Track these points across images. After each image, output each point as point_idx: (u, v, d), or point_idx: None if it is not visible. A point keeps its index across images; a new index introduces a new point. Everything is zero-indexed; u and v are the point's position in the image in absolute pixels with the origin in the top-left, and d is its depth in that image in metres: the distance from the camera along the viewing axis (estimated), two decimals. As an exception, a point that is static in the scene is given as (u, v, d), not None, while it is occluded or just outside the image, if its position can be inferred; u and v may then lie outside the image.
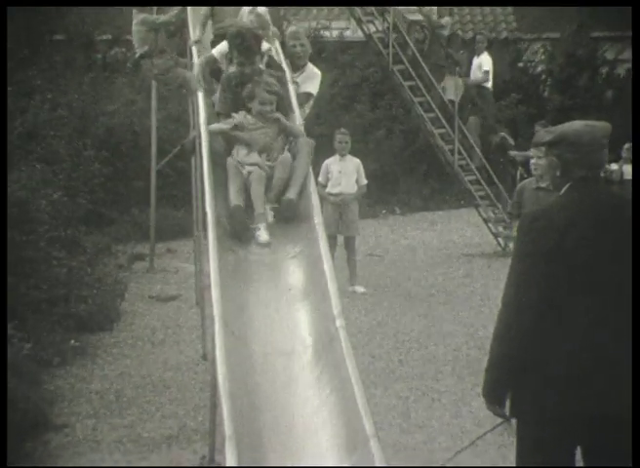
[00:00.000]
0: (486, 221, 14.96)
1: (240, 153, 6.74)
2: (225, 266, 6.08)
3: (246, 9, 7.90)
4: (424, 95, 15.13)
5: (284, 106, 7.04)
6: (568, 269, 4.08)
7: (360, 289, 11.57)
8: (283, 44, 8.22)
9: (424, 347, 9.21)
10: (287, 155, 6.79)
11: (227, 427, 4.96)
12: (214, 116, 7.28)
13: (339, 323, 5.64)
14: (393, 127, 19.47)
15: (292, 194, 6.62)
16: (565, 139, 4.25)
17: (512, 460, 4.46)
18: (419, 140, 18.65)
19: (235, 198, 6.54)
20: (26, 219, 9.37)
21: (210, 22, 8.50)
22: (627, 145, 14.48)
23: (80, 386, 8.22)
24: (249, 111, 6.81)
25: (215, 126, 6.96)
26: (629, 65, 19.06)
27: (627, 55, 19.96)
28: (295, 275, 6.27)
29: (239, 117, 6.80)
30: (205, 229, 6.79)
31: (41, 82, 16.36)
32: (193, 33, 8.60)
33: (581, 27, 21.06)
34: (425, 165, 19.00)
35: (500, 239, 14.50)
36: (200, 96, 7.58)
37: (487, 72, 16.06)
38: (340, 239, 11.82)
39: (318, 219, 6.45)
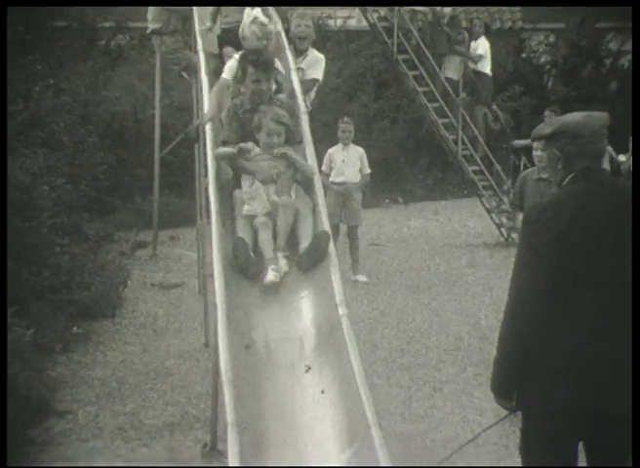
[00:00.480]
0: (489, 211, 14.95)
1: (245, 184, 6.31)
2: (228, 254, 6.07)
3: (247, 17, 7.33)
4: (429, 84, 15.13)
5: (293, 137, 6.60)
6: (573, 260, 4.08)
7: (362, 278, 11.58)
8: (287, 32, 8.17)
9: (426, 336, 9.21)
10: (288, 199, 6.21)
11: (229, 414, 4.97)
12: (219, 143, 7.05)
13: (341, 311, 5.63)
14: (397, 116, 19.44)
15: (307, 242, 6.07)
16: (566, 131, 4.24)
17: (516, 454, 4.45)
18: (422, 130, 18.65)
19: (241, 230, 6.13)
20: (29, 206, 9.36)
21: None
22: None
23: (82, 373, 8.23)
24: (257, 142, 6.39)
25: (221, 150, 6.55)
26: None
27: (630, 46, 19.93)
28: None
29: (248, 144, 6.39)
30: (208, 217, 6.79)
31: (42, 67, 16.32)
32: (200, 24, 8.39)
33: (585, 19, 21.02)
34: (429, 155, 18.98)
35: (502, 229, 14.49)
36: (205, 83, 7.55)
37: (481, 56, 15.99)
38: (343, 228, 11.82)
39: (323, 209, 6.34)
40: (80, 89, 16.19)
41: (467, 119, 15.27)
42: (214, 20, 8.12)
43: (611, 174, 13.93)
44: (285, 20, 8.35)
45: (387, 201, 17.90)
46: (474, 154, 15.06)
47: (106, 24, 19.49)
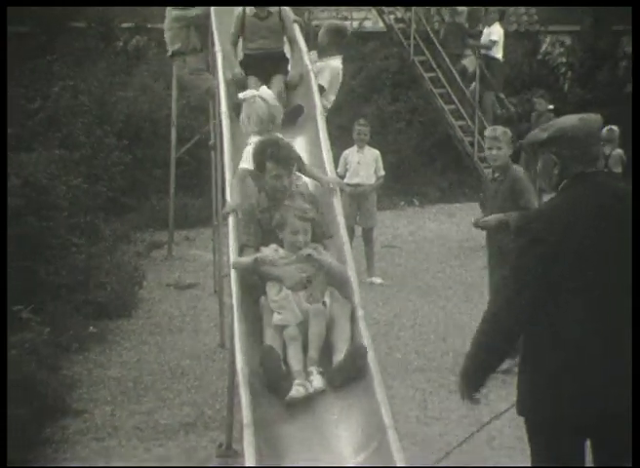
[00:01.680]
0: (504, 214, 14.91)
1: (271, 292, 5.62)
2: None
3: (247, 102, 6.74)
4: (445, 86, 15.13)
5: (322, 233, 5.90)
6: (570, 268, 4.04)
7: (378, 280, 11.58)
8: (307, 34, 8.25)
9: (442, 339, 9.20)
10: (321, 307, 5.55)
11: (245, 415, 4.99)
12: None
13: (358, 313, 5.65)
14: (413, 118, 19.41)
15: (341, 354, 5.40)
16: (563, 135, 4.19)
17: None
18: (438, 132, 18.61)
19: (270, 338, 5.50)
20: (46, 205, 9.40)
21: (240, 41, 7.95)
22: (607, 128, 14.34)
23: (98, 372, 8.27)
24: (281, 242, 5.72)
25: (238, 260, 5.86)
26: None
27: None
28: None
29: (267, 251, 5.71)
30: (225, 218, 6.80)
31: (61, 68, 16.38)
32: (218, 38, 8.22)
33: (598, 21, 20.96)
34: (444, 157, 18.93)
35: (517, 232, 14.45)
36: (222, 84, 7.57)
37: (495, 42, 15.93)
38: (358, 230, 11.82)
39: (339, 209, 6.31)
40: (97, 89, 16.23)
41: (484, 121, 15.24)
42: (235, 44, 7.90)
43: (622, 177, 13.96)
44: (299, 12, 8.55)
45: (403, 203, 17.87)
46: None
47: (125, 25, 19.52)
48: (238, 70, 7.67)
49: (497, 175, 8.09)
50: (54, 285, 9.08)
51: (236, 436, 6.14)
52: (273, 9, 7.79)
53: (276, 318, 5.51)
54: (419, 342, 9.15)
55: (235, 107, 7.12)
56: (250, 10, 7.78)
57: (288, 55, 7.92)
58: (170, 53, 10.46)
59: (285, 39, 7.95)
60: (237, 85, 7.49)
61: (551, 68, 21.61)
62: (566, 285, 4.05)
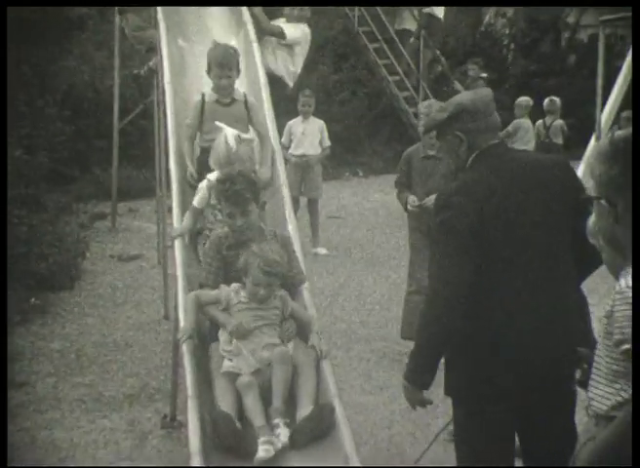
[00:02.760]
0: (448, 185, 14.97)
1: (223, 338, 5.05)
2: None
3: (220, 138, 6.04)
4: (389, 57, 15.12)
5: (291, 283, 5.39)
6: (494, 239, 4.01)
7: (322, 250, 11.60)
8: None
9: (386, 309, 9.25)
10: (285, 350, 4.97)
11: (189, 387, 4.97)
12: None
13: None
14: (357, 89, 19.42)
15: (307, 409, 4.79)
16: (465, 109, 4.17)
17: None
18: (382, 103, 18.63)
19: (221, 395, 4.86)
20: (-14, 177, 9.27)
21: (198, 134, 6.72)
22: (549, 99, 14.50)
23: (40, 344, 8.20)
24: (244, 285, 5.12)
25: (190, 296, 5.26)
26: (592, 31, 19.13)
27: (589, 19, 20.06)
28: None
29: (225, 292, 5.12)
30: (168, 189, 6.76)
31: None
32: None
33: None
34: (389, 128, 18.99)
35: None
36: (164, 49, 7.47)
37: None
38: (303, 201, 11.82)
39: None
40: (37, 58, 15.99)
41: (428, 93, 15.27)
42: (191, 138, 6.65)
43: (563, 148, 14.10)
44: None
45: (347, 174, 17.90)
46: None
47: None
48: (191, 171, 6.45)
49: (431, 152, 7.59)
50: (-6, 256, 8.97)
51: (180, 407, 6.14)
52: (238, 95, 6.65)
53: (226, 365, 4.94)
54: (363, 312, 9.20)
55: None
56: (210, 96, 6.64)
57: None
58: (117, 9, 10.44)
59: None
60: (191, 187, 6.43)
61: (494, 40, 21.72)
62: (496, 256, 4.01)
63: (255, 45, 7.65)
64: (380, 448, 6.26)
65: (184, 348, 5.16)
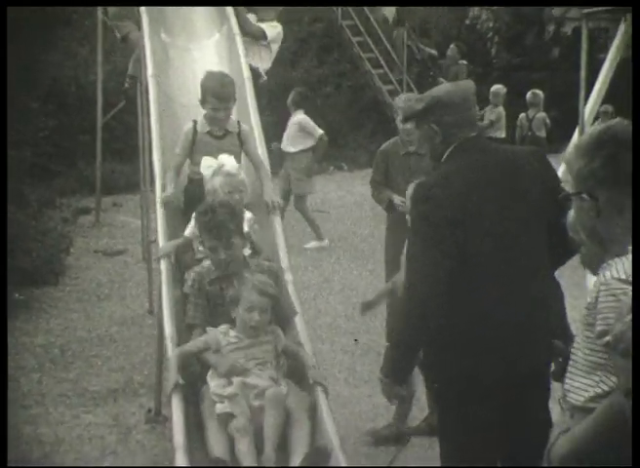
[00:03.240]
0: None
1: (213, 382, 4.77)
2: (171, 220, 6.03)
3: (207, 169, 5.81)
4: (373, 50, 15.13)
5: (283, 314, 5.15)
6: (472, 232, 3.99)
7: (307, 244, 11.61)
8: None
9: (370, 302, 9.25)
10: (278, 390, 4.69)
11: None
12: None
13: (287, 277, 5.64)
14: (341, 82, 19.42)
15: (299, 457, 4.52)
16: (439, 101, 4.15)
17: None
18: (366, 96, 18.64)
19: (215, 446, 4.58)
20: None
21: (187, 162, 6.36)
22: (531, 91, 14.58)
23: (24, 340, 8.19)
24: (233, 322, 4.87)
25: (182, 349, 4.97)
26: (576, 24, 19.15)
27: (573, 12, 20.04)
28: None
29: (213, 335, 4.85)
30: (152, 184, 6.74)
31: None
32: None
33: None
34: (373, 121, 18.99)
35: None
36: (147, 42, 7.44)
37: None
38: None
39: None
40: (21, 52, 15.93)
41: (412, 85, 15.29)
42: (178, 166, 6.25)
43: (546, 141, 14.14)
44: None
45: (332, 168, 17.90)
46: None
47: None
48: (170, 192, 6.04)
49: (411, 148, 7.17)
50: (-23, 252, 8.94)
51: (165, 401, 6.13)
52: (232, 127, 6.25)
53: (220, 407, 4.65)
54: (348, 306, 9.20)
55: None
56: (202, 126, 6.22)
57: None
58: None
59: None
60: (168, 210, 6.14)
61: (479, 34, 21.74)
62: (474, 249, 3.99)
63: (238, 38, 7.64)
64: (364, 441, 6.27)
65: (168, 342, 5.16)
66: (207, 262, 5.19)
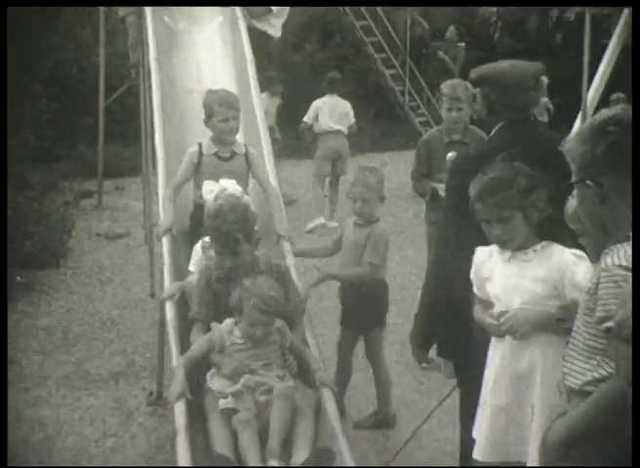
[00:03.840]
0: (435, 163, 14.96)
1: (216, 382, 4.73)
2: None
3: (209, 194, 5.58)
4: (376, 34, 15.09)
5: (291, 317, 5.05)
6: None
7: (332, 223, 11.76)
8: None
9: (372, 287, 9.25)
10: (287, 385, 4.68)
11: (175, 363, 4.98)
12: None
13: (289, 261, 5.66)
14: (344, 67, 19.37)
15: (302, 456, 4.45)
16: (488, 78, 4.21)
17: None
18: (369, 81, 18.60)
19: (216, 425, 4.56)
20: (-29, 154, 9.24)
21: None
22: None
23: (27, 322, 8.20)
24: (238, 321, 4.79)
25: (181, 360, 4.85)
26: (578, 10, 19.08)
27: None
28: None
29: (218, 332, 4.79)
30: (154, 167, 6.73)
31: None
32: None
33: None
34: (376, 106, 18.96)
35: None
36: (150, 26, 7.42)
37: None
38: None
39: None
40: (22, 35, 15.90)
41: (415, 70, 15.26)
42: (177, 187, 6.08)
43: (549, 127, 14.11)
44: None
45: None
46: (421, 105, 15.07)
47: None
48: (169, 221, 5.89)
49: (455, 136, 7.04)
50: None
51: (167, 384, 6.14)
52: (239, 149, 6.10)
53: (222, 402, 4.61)
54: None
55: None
56: (208, 148, 6.05)
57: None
58: None
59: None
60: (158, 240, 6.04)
61: (481, 18, 21.67)
62: None
63: (241, 21, 7.63)
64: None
65: (170, 326, 5.18)
66: (214, 261, 5.07)
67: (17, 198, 10.24)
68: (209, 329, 4.93)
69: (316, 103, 12.22)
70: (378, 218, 6.20)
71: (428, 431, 5.85)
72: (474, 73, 4.30)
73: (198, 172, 6.03)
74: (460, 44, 14.78)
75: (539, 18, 21.10)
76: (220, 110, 5.95)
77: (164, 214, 6.00)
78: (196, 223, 5.85)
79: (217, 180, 5.75)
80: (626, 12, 13.84)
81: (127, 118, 14.49)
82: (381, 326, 6.23)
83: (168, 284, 5.60)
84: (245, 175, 6.06)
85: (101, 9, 11.66)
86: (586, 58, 13.05)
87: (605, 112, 2.93)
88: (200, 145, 6.06)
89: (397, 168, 16.75)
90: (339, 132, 12.18)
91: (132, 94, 11.96)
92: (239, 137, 6.24)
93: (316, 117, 12.18)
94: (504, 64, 4.32)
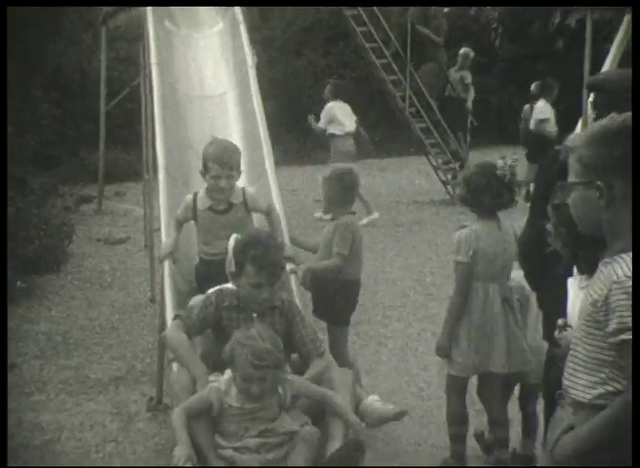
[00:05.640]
0: (435, 169, 14.97)
1: (219, 441, 4.48)
2: (174, 209, 6.03)
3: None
4: (377, 40, 15.07)
5: (305, 354, 4.88)
6: None
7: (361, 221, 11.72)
8: None
9: (372, 292, 9.24)
10: (314, 431, 4.49)
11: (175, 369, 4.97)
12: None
13: (293, 285, 5.70)
14: (345, 73, 19.38)
15: (335, 444, 4.44)
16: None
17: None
18: (370, 87, 18.58)
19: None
20: (-28, 159, 9.24)
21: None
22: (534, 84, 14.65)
23: (27, 327, 8.19)
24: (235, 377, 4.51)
25: (179, 422, 4.45)
26: (579, 16, 19.09)
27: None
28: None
29: (216, 393, 4.47)
30: (155, 172, 6.74)
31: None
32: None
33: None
34: (376, 112, 18.95)
35: (448, 187, 14.54)
36: (151, 30, 7.42)
37: None
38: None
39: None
40: (24, 40, 15.92)
41: (415, 75, 15.25)
42: (176, 226, 5.93)
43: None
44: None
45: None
46: (421, 111, 15.05)
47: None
48: (170, 244, 5.84)
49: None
50: (-20, 239, 8.94)
51: (166, 390, 6.14)
52: (236, 198, 5.82)
53: (224, 453, 4.43)
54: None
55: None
56: (203, 202, 5.81)
57: None
58: None
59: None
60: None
61: (482, 24, 21.68)
62: None
63: (242, 26, 7.64)
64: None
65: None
66: (228, 285, 4.95)
67: (17, 202, 10.24)
68: (190, 335, 4.84)
69: (329, 108, 12.33)
70: (350, 213, 6.44)
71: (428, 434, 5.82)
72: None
73: (196, 225, 5.93)
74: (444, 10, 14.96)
75: (540, 23, 21.11)
76: (214, 167, 5.69)
77: (166, 238, 5.97)
78: (202, 276, 5.80)
79: (213, 235, 5.72)
80: (627, 17, 13.83)
81: (128, 123, 14.50)
82: (345, 325, 6.28)
83: (168, 292, 5.58)
84: (245, 225, 5.78)
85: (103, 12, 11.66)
86: (587, 63, 13.06)
87: (621, 116, 2.88)
88: (195, 196, 5.85)
89: (397, 174, 16.79)
90: (351, 134, 12.36)
91: (133, 99, 11.95)
92: (241, 180, 6.00)
93: (331, 121, 12.31)
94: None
